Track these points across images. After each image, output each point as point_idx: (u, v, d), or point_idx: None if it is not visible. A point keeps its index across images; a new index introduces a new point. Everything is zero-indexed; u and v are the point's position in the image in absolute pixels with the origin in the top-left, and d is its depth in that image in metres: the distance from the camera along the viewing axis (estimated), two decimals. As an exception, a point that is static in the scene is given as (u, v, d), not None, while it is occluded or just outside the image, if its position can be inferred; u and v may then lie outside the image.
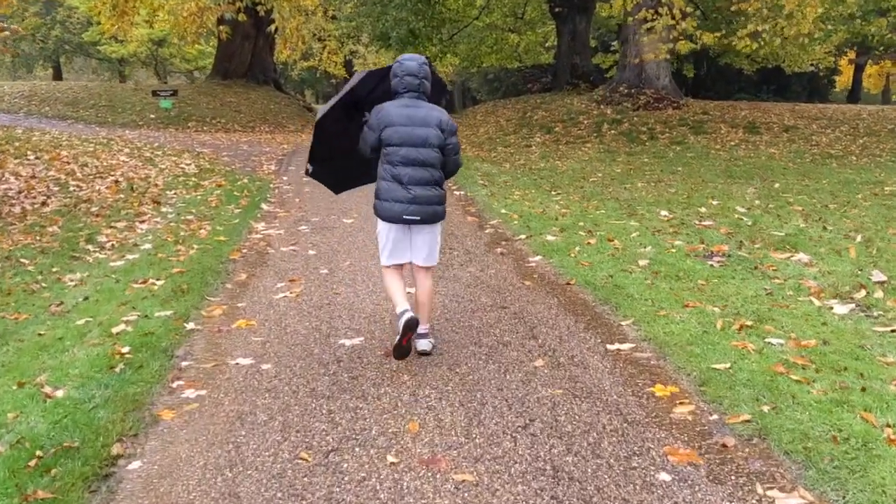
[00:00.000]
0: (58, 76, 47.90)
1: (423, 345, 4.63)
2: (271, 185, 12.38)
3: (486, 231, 8.62)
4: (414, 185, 4.39)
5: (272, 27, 24.67)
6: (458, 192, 11.52)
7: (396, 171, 4.39)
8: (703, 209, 9.34)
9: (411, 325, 4.29)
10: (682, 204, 9.90)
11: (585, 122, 18.76)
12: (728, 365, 4.24)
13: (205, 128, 23.38)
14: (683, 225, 8.42)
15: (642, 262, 6.71)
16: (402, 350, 4.40)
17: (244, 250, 7.86)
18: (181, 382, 4.37)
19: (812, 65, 28.56)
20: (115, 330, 5.21)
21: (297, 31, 26.72)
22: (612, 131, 17.75)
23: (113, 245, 8.39)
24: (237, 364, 4.63)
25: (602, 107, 19.58)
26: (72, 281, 6.91)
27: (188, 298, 6.01)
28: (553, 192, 11.31)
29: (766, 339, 4.68)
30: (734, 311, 5.29)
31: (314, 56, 39.93)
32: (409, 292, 4.85)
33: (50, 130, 19.83)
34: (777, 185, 11.54)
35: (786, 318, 5.11)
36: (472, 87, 54.46)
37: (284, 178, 13.36)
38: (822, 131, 17.27)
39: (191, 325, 5.37)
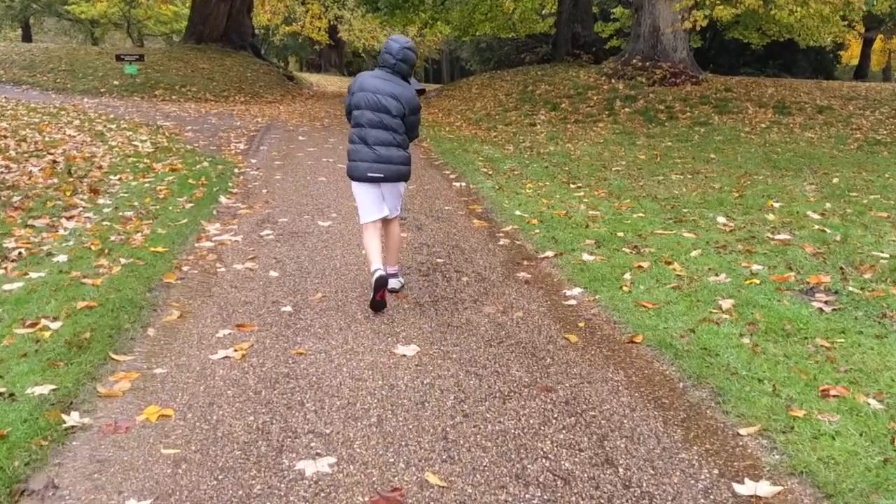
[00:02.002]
0: (27, 38, 45.25)
1: (392, 283, 5.21)
2: (236, 170, 10.43)
3: (500, 243, 6.74)
4: (378, 145, 4.90)
5: (248, -14, 22.53)
6: (458, 184, 9.62)
7: (363, 133, 4.92)
8: (768, 215, 7.49)
9: (381, 282, 4.80)
10: (736, 206, 8.06)
11: (595, 98, 16.83)
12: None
13: (173, 97, 21.24)
14: (754, 239, 6.58)
15: (725, 304, 4.87)
16: (377, 304, 4.85)
17: (185, 268, 5.95)
18: (14, 567, 2.50)
19: (831, 38, 26.64)
20: (-49, 427, 3.33)
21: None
22: (627, 109, 15.84)
23: (20, 254, 6.44)
24: (123, 517, 2.77)
25: (613, 81, 17.64)
26: (-62, 317, 4.99)
27: (86, 358, 4.13)
28: (572, 185, 9.45)
29: None
30: (900, 405, 3.47)
31: (297, 20, 37.65)
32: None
33: (-4, 97, 17.72)
34: (835, 180, 9.73)
35: None
36: (461, 57, 52.16)
37: (253, 160, 11.40)
38: (860, 113, 15.44)
39: (73, 418, 3.49)
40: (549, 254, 6.24)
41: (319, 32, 34.93)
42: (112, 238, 6.85)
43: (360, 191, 5.07)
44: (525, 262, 6.09)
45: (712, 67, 29.42)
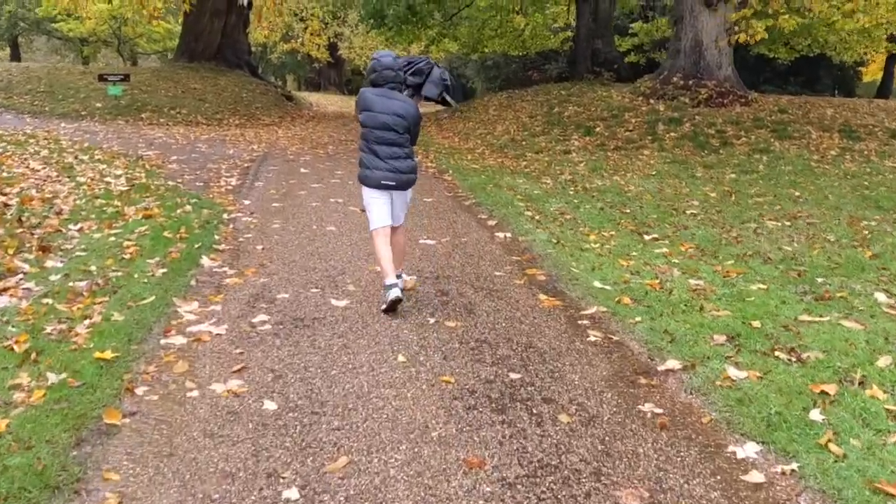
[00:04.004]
0: (16, 57, 43.44)
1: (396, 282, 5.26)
2: (225, 216, 8.49)
3: (591, 339, 4.78)
4: (390, 158, 5.21)
5: None
6: (501, 235, 7.68)
7: (374, 148, 5.22)
8: (943, 290, 5.56)
9: (397, 302, 5.13)
10: (881, 271, 6.14)
11: (633, 120, 14.94)
12: None
13: (161, 120, 19.33)
14: (953, 334, 4.64)
15: None
16: (391, 309, 5.17)
17: (141, 390, 4.01)
18: None
19: (866, 54, 24.94)
20: None
21: (274, 5, 22.83)
22: (672, 134, 13.95)
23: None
24: None
25: (652, 101, 15.76)
26: None
27: None
28: (646, 237, 7.52)
29: None
30: None
31: (295, 37, 35.88)
32: None
33: (-40, 123, 15.83)
34: (968, 227, 7.81)
35: None
36: (464, 76, 50.20)
37: (246, 201, 9.46)
38: (939, 137, 13.56)
39: None
40: (674, 364, 4.28)
41: (319, 49, 33.12)
42: (48, 329, 4.93)
43: (374, 196, 5.33)
44: (643, 381, 4.13)
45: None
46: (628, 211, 8.79)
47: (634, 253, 6.83)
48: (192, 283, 6.03)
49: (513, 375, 4.17)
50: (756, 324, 4.84)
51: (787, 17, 12.71)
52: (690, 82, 15.54)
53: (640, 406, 3.81)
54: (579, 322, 5.08)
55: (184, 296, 5.69)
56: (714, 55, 15.56)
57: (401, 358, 4.39)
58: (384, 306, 5.19)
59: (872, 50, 23.59)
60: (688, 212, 8.68)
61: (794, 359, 4.27)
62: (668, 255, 6.72)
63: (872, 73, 42.23)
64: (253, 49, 33.69)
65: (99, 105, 20.06)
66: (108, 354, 4.45)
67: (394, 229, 5.44)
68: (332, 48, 39.30)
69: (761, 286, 5.74)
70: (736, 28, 13.75)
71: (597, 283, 5.81)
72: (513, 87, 30.78)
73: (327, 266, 6.48)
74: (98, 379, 4.11)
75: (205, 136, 16.82)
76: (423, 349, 4.55)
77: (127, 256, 6.76)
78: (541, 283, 6.02)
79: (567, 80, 26.01)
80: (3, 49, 47.43)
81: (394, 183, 5.22)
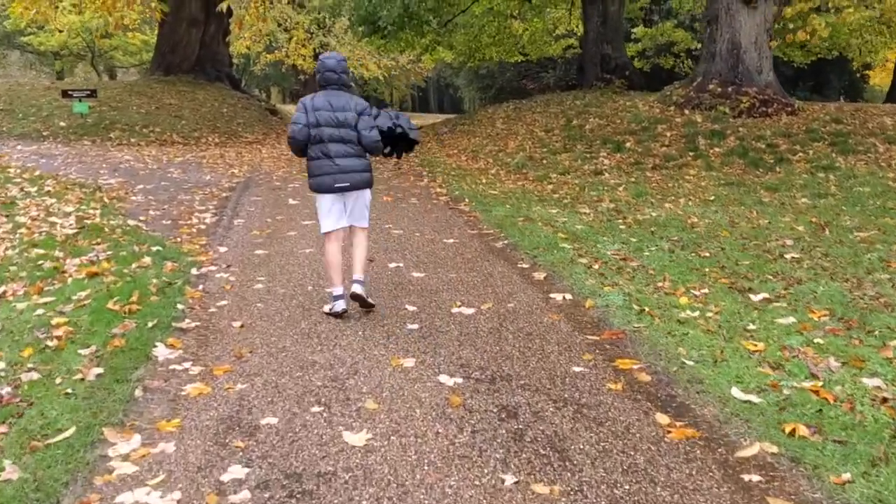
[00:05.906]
0: (-14, 72, 41.37)
1: (357, 288, 5.20)
2: (194, 272, 6.57)
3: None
4: (340, 157, 5.15)
5: (223, 5, 18.85)
6: (559, 296, 5.79)
7: (326, 148, 5.15)
8: None
9: (342, 313, 5.19)
10: None
11: (668, 134, 13.11)
12: None
13: (132, 139, 17.36)
14: None
15: None
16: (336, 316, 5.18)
17: None
18: None
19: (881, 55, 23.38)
20: None
21: (257, 11, 20.98)
22: (717, 149, 12.12)
23: None
24: None
25: (686, 112, 13.94)
26: None
27: None
28: (752, 295, 5.66)
29: None
30: None
31: (280, 48, 33.98)
32: None
33: None
34: None
35: None
36: (455, 85, 48.13)
37: (222, 247, 7.55)
38: None
39: None
40: None
41: (305, 60, 31.23)
42: None
43: (326, 202, 5.25)
44: None
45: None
46: (707, 254, 6.92)
47: (752, 326, 4.97)
48: (137, 392, 4.13)
49: None
50: None
51: (851, 10, 10.93)
52: (729, 89, 13.73)
53: None
54: (743, 477, 3.18)
55: (121, 421, 3.79)
56: (753, 58, 13.76)
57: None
58: (327, 311, 5.19)
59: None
60: (787, 256, 6.82)
61: None
62: (802, 331, 4.85)
63: (874, 76, 40.85)
64: (234, 60, 31.76)
65: (63, 124, 18.09)
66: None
67: (356, 231, 5.41)
68: (318, 58, 37.44)
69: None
70: (790, 26, 11.92)
71: (736, 392, 3.93)
72: (507, 97, 29.03)
73: (331, 357, 4.57)
74: None
75: (179, 157, 14.86)
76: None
77: (53, 343, 4.86)
78: (647, 388, 4.12)
79: (569, 88, 24.25)
80: (-26, 64, 45.31)
81: (348, 184, 5.20)
